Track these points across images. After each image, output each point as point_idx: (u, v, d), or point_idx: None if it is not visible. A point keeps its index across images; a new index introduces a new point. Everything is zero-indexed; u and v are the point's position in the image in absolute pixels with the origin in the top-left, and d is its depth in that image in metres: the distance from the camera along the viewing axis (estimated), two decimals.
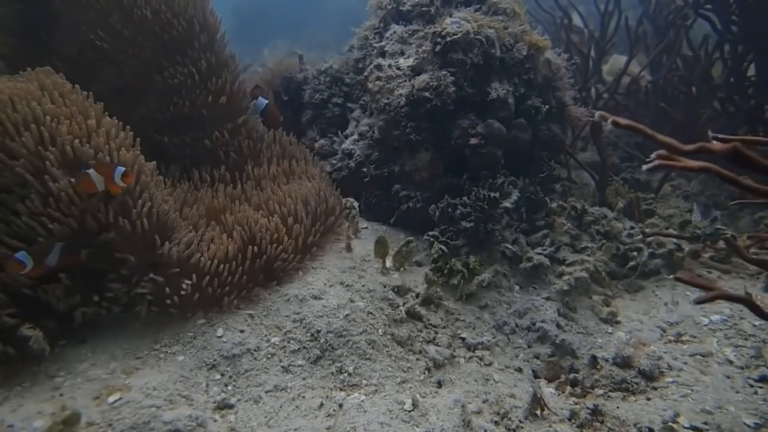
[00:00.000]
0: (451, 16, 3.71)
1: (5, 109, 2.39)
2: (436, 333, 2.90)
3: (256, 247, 2.79)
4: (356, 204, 3.52)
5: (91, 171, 2.34)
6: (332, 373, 2.50)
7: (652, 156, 1.60)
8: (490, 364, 2.82)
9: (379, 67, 3.77)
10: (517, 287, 3.33)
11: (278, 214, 3.02)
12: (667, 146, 1.60)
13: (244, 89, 3.75)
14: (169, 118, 3.48)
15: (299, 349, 2.57)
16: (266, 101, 3.71)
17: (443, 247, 3.23)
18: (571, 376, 2.79)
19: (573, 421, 2.38)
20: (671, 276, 3.45)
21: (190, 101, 3.47)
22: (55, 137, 2.42)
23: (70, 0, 3.39)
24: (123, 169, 2.39)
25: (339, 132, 4.13)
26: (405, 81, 3.64)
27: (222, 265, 2.67)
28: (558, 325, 3.08)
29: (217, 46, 3.62)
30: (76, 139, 2.44)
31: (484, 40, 3.58)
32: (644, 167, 1.64)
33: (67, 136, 2.43)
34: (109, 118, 2.69)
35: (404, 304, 2.94)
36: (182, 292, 2.56)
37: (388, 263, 3.19)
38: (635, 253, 3.59)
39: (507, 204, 3.44)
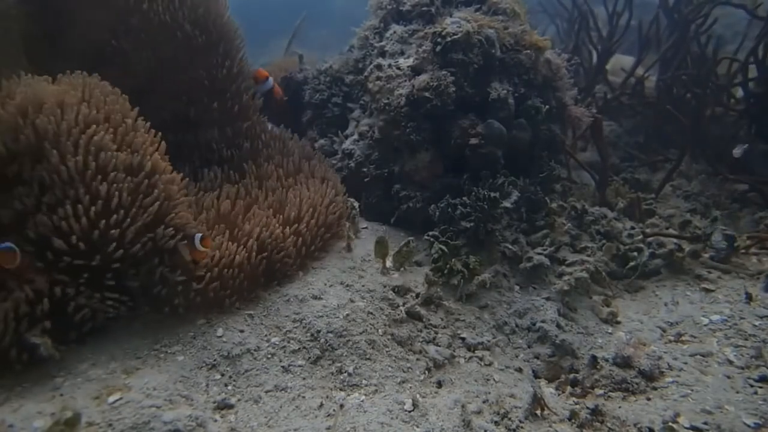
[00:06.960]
0: (451, 16, 3.71)
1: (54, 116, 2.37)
2: (436, 333, 2.90)
3: (263, 254, 2.80)
4: (356, 204, 3.52)
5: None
6: (332, 373, 2.50)
7: None
8: (490, 364, 2.82)
9: (379, 67, 3.77)
10: (517, 287, 3.33)
11: (284, 218, 3.01)
12: None
13: (253, 97, 3.80)
14: (180, 120, 3.48)
15: (299, 349, 2.57)
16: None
17: (443, 247, 3.23)
18: (571, 376, 2.79)
19: (573, 421, 2.38)
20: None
21: (202, 105, 3.49)
22: (100, 147, 2.42)
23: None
24: (200, 234, 2.52)
25: (339, 132, 4.13)
26: (405, 81, 3.64)
27: (225, 271, 2.67)
28: (558, 325, 3.08)
29: (234, 53, 3.64)
30: (119, 150, 2.45)
31: (484, 40, 3.58)
32: None
33: (111, 144, 2.43)
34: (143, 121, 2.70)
35: (404, 304, 2.94)
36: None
37: (388, 263, 3.19)
38: (635, 254, 3.59)
39: (507, 204, 3.44)
